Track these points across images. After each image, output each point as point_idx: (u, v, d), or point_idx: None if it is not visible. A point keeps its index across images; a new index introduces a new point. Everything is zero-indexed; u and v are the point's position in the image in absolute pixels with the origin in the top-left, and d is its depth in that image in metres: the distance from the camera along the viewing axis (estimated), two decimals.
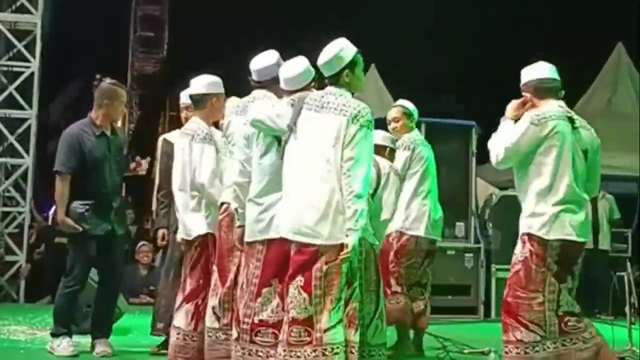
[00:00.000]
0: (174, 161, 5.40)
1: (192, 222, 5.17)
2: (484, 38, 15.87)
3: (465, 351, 6.23)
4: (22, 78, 10.63)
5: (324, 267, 4.03)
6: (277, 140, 4.40)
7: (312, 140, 4.14)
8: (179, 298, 5.23)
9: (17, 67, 10.80)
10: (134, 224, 12.51)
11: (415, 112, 6.36)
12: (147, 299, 9.80)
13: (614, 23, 14.31)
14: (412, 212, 6.10)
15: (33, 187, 10.61)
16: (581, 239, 4.33)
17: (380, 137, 5.55)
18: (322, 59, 4.26)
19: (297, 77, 4.46)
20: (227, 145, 4.93)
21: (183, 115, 6.08)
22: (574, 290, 4.38)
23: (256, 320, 4.35)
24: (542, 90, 4.45)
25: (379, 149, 5.19)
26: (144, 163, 6.26)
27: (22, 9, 10.79)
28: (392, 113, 6.32)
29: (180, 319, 5.13)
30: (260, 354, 4.31)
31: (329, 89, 4.24)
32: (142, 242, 10.87)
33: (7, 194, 10.79)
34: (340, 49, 4.23)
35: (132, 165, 6.26)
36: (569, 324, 4.25)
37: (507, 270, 4.53)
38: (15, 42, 10.67)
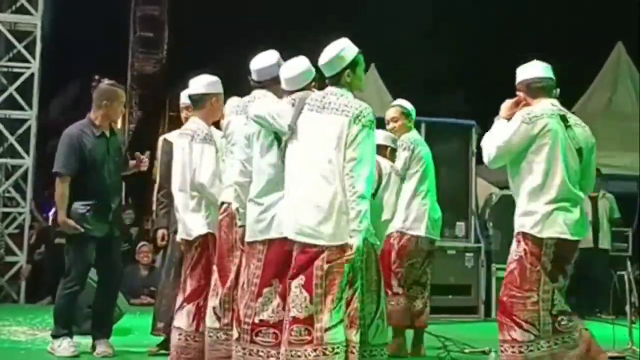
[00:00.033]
0: (173, 161, 5.40)
1: (192, 223, 5.17)
2: (484, 38, 15.87)
3: (466, 351, 6.24)
4: (22, 79, 10.64)
5: (325, 266, 4.03)
6: (278, 140, 4.39)
7: (314, 141, 4.14)
8: (180, 299, 5.23)
9: (17, 68, 10.81)
10: (134, 225, 12.53)
11: (413, 112, 6.36)
12: (148, 299, 9.80)
13: (614, 23, 14.31)
14: (412, 212, 6.11)
15: (33, 187, 10.62)
16: (575, 237, 4.32)
17: (382, 136, 5.56)
18: (323, 59, 4.26)
19: (297, 77, 4.46)
20: (227, 145, 4.94)
21: (183, 115, 6.08)
22: (565, 289, 4.37)
23: (257, 321, 4.34)
24: (536, 89, 4.46)
25: (380, 149, 5.19)
26: (145, 158, 6.25)
27: (22, 10, 10.80)
28: (391, 113, 6.32)
29: (182, 320, 5.13)
30: (261, 354, 4.31)
31: (330, 89, 4.24)
32: (142, 243, 10.88)
33: (7, 195, 10.79)
34: (341, 49, 4.23)
35: (132, 162, 6.25)
36: (562, 323, 4.26)
37: None
38: (15, 42, 10.67)
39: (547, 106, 4.39)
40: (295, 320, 4.05)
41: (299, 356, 4.01)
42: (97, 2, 15.96)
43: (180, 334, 5.11)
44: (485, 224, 10.14)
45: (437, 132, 9.28)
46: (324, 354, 3.98)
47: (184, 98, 5.95)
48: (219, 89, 5.38)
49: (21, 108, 10.65)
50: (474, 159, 9.84)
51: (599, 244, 9.97)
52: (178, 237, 5.39)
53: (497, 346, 4.37)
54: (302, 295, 4.05)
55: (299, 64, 4.51)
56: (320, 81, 4.44)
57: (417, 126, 6.58)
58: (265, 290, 4.37)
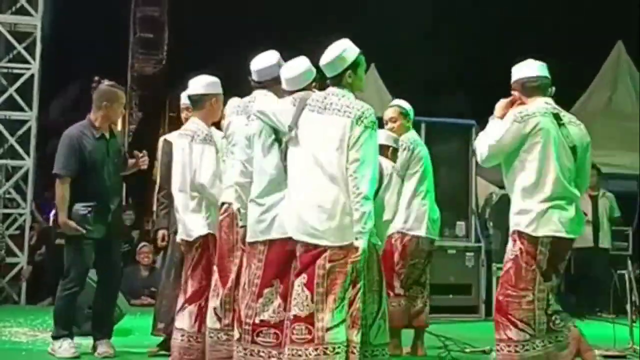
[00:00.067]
0: (173, 162, 5.41)
1: (192, 223, 5.18)
2: (484, 39, 15.86)
3: (467, 350, 6.25)
4: (22, 80, 10.64)
5: (328, 265, 4.04)
6: (279, 140, 4.40)
7: (316, 142, 4.14)
8: (181, 299, 5.23)
9: (17, 69, 10.80)
10: (135, 225, 12.52)
11: (412, 112, 6.36)
12: (148, 300, 9.81)
13: (614, 23, 14.30)
14: (413, 213, 6.11)
15: (34, 188, 10.62)
16: (570, 235, 4.33)
17: (383, 136, 5.56)
18: (324, 60, 4.26)
19: (298, 77, 4.46)
20: (228, 146, 4.94)
21: (183, 115, 6.08)
22: (557, 287, 4.39)
23: (258, 321, 4.35)
24: (531, 88, 4.48)
25: (382, 149, 5.17)
26: (144, 156, 6.26)
27: (22, 11, 10.79)
28: (389, 113, 6.32)
29: (183, 321, 5.13)
30: (262, 354, 4.31)
31: (331, 89, 4.25)
32: (142, 243, 10.89)
33: (7, 196, 10.78)
34: (342, 50, 4.23)
35: (132, 161, 6.25)
36: (556, 322, 4.28)
37: None
38: (16, 44, 10.67)
39: (540, 105, 4.40)
40: (296, 318, 4.07)
41: (299, 355, 4.02)
42: (97, 3, 15.94)
43: (182, 335, 5.12)
44: (486, 223, 10.15)
45: (437, 132, 9.29)
46: (325, 353, 3.99)
47: (184, 99, 5.95)
48: (219, 89, 5.39)
49: (21, 109, 10.64)
50: (474, 159, 9.81)
51: (599, 243, 9.97)
52: (178, 238, 5.39)
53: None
54: (304, 294, 4.06)
55: (299, 64, 4.51)
56: (321, 81, 4.45)
57: (417, 126, 6.58)
58: (266, 290, 4.37)
